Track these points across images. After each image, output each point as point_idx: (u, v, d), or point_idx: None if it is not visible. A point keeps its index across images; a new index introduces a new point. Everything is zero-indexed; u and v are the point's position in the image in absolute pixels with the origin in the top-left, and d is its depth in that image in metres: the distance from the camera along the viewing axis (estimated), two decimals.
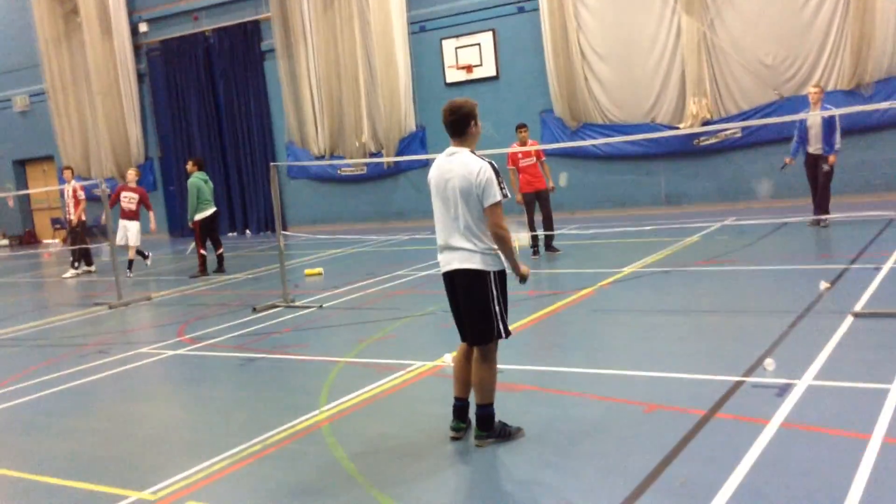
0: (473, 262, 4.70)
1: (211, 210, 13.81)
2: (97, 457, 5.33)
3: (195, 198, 13.62)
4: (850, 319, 6.69)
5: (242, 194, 22.10)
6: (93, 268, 15.91)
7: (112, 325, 10.12)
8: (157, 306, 11.31)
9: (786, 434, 4.48)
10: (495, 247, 4.72)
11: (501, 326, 4.77)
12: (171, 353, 8.13)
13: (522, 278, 4.89)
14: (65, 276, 15.64)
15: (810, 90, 12.06)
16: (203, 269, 13.62)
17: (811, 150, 11.92)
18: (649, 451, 4.40)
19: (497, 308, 4.73)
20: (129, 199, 14.69)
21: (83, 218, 15.64)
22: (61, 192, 15.43)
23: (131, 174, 15.09)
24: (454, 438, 4.89)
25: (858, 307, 7.02)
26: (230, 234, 21.86)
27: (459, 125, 4.78)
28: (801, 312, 7.13)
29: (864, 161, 14.51)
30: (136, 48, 22.99)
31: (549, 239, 12.23)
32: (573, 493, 4.07)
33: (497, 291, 4.74)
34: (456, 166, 4.72)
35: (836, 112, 10.28)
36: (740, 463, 4.12)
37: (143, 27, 22.80)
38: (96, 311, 11.14)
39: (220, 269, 13.84)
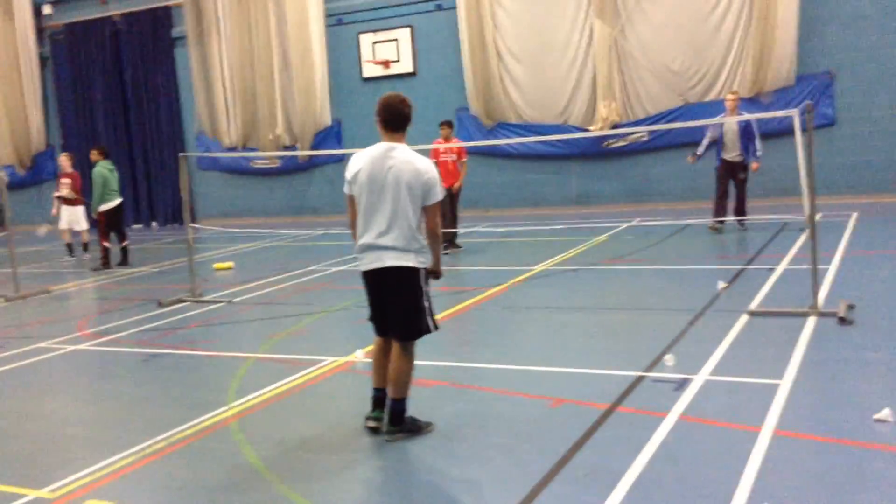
0: (407, 260, 4.70)
1: (117, 201, 13.39)
2: None
3: (101, 187, 13.17)
4: (745, 318, 7.03)
5: (149, 185, 21.43)
6: None
7: (9, 319, 9.68)
8: (57, 300, 10.88)
9: (683, 426, 4.70)
10: (425, 244, 4.76)
11: (431, 321, 4.83)
12: (71, 348, 7.86)
13: (438, 275, 4.96)
14: None
15: (727, 97, 12.19)
16: (106, 262, 13.18)
17: (728, 157, 12.03)
18: (555, 443, 4.54)
19: (426, 303, 4.78)
20: (68, 186, 14.30)
21: None
22: None
23: (65, 160, 14.60)
24: (372, 429, 4.90)
25: (753, 306, 7.38)
26: (136, 226, 21.16)
27: (402, 121, 4.78)
28: (700, 310, 7.46)
29: (763, 167, 15.20)
30: (39, 31, 22.00)
31: (452, 236, 12.32)
32: (482, 485, 4.16)
33: (426, 287, 4.79)
34: (399, 162, 4.68)
35: (750, 117, 10.82)
36: (640, 453, 4.30)
37: (46, 9, 21.83)
38: None
39: (124, 261, 13.43)
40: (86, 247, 14.86)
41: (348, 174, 4.88)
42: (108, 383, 6.71)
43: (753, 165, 11.90)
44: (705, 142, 12.25)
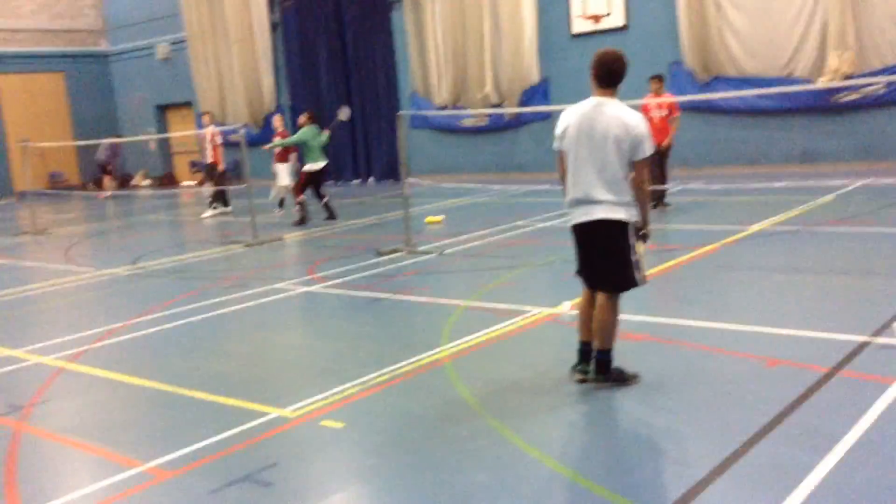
0: (616, 213, 4.75)
1: (320, 163, 14.10)
2: (241, 377, 5.83)
3: (304, 148, 14.13)
4: None
5: (366, 143, 22.67)
6: (229, 209, 16.84)
7: (248, 263, 10.78)
8: (288, 247, 11.94)
9: None
10: (633, 199, 4.79)
11: (639, 275, 4.85)
12: (303, 289, 8.64)
13: (646, 236, 4.95)
14: (203, 216, 16.64)
15: None
16: (303, 219, 13.83)
17: None
18: (768, 403, 4.43)
19: (635, 257, 4.82)
20: None
21: (221, 161, 16.59)
22: (199, 137, 16.31)
23: (278, 120, 15.87)
24: (580, 381, 5.01)
25: None
26: (354, 181, 22.54)
27: (617, 76, 4.78)
28: None
29: None
30: (271, 0, 23.76)
31: (661, 194, 11.98)
32: (687, 437, 4.18)
33: (633, 241, 4.82)
34: (608, 117, 4.71)
35: None
36: (863, 417, 4.11)
37: None
38: (233, 249, 11.88)
39: (330, 216, 14.12)
40: (281, 203, 15.63)
41: (558, 130, 4.97)
42: (336, 321, 7.36)
43: None
44: None
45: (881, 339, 5.36)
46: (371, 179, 22.68)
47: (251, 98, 24.40)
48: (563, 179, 5.02)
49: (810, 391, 4.58)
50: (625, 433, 4.42)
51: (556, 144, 5.02)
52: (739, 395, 4.65)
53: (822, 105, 15.56)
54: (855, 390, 4.55)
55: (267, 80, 24.09)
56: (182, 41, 25.90)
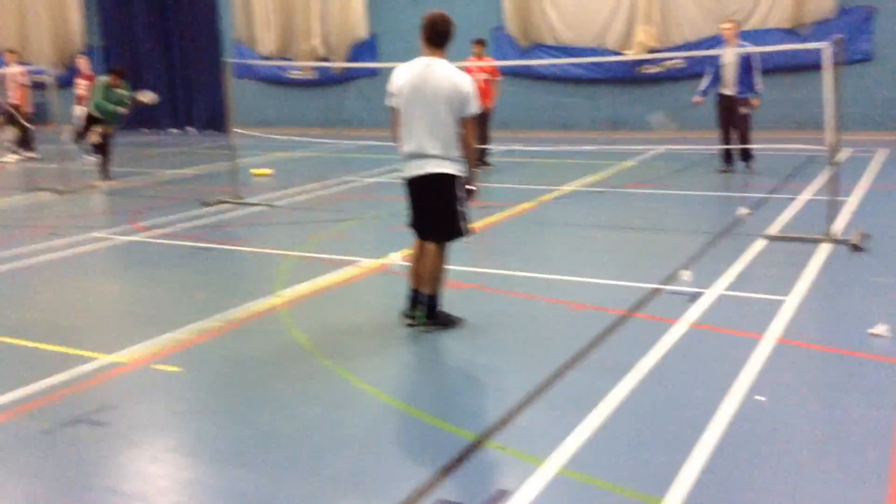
0: (446, 168, 5.08)
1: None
2: (65, 325, 5.70)
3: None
4: (761, 241, 7.37)
5: (187, 91, 21.76)
6: (36, 154, 15.72)
7: (62, 210, 10.25)
8: (104, 195, 11.43)
9: (693, 332, 5.13)
10: (461, 155, 5.13)
11: (465, 226, 5.23)
12: (125, 238, 8.40)
13: (473, 191, 5.31)
14: (3, 160, 15.44)
15: (724, 26, 11.18)
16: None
17: (726, 91, 11.11)
18: (574, 340, 5.00)
19: (462, 209, 5.19)
20: (83, 87, 14.64)
21: (27, 104, 15.43)
22: (1, 77, 15.06)
23: (83, 62, 14.95)
24: (409, 325, 5.35)
25: (770, 231, 7.72)
26: (172, 130, 21.61)
27: (445, 37, 5.10)
28: (720, 233, 7.81)
29: (794, 98, 15.21)
30: None
31: (482, 154, 12.53)
32: (504, 371, 4.66)
33: (462, 194, 5.18)
34: (438, 76, 5.01)
35: (751, 50, 10.41)
36: (651, 351, 4.75)
37: None
38: (43, 197, 11.21)
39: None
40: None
41: (391, 87, 5.21)
42: (163, 271, 7.26)
43: (753, 101, 11.00)
44: (705, 79, 11.33)
45: (669, 287, 6.12)
46: (191, 129, 21.86)
47: (57, 36, 22.64)
48: (396, 135, 5.28)
49: (608, 331, 5.20)
50: (450, 369, 4.84)
51: (389, 101, 5.27)
52: (549, 335, 5.20)
53: (630, 76, 16.82)
54: (646, 329, 5.21)
55: (75, 18, 22.42)
56: None
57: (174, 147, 17.86)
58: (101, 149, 12.59)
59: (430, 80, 5.03)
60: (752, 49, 10.93)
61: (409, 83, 5.10)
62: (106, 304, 6.25)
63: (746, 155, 11.39)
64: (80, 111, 14.70)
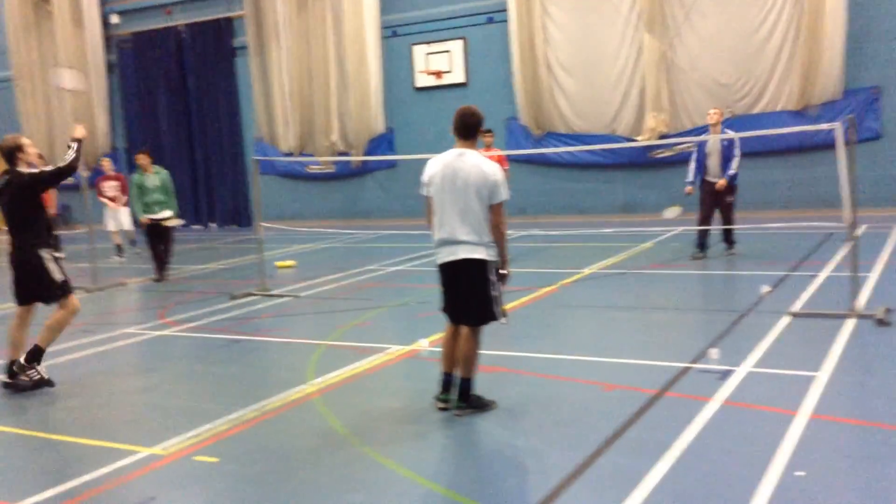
0: (479, 253, 5.23)
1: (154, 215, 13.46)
2: (107, 420, 5.78)
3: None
4: (786, 318, 7.42)
5: (208, 188, 22.35)
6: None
7: (92, 308, 10.43)
8: (133, 293, 11.65)
9: (726, 409, 5.15)
10: (492, 240, 5.28)
11: (499, 310, 5.33)
12: (156, 333, 8.54)
13: (505, 275, 5.43)
14: None
15: (709, 112, 11.24)
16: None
17: (710, 178, 11.01)
18: (609, 421, 5.03)
19: (495, 293, 5.31)
20: (111, 188, 15.13)
21: (53, 205, 15.86)
22: None
23: (106, 164, 15.51)
24: (442, 409, 5.42)
25: (795, 308, 7.77)
26: (195, 227, 22.09)
27: (474, 129, 5.37)
28: (744, 312, 7.87)
29: (814, 177, 15.43)
30: (107, 39, 23.11)
31: None
32: (543, 452, 4.68)
33: (495, 279, 5.31)
34: (469, 165, 5.24)
35: (734, 136, 10.51)
36: (687, 429, 4.78)
37: (114, 18, 22.96)
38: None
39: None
40: (119, 249, 15.48)
41: (424, 177, 5.45)
42: (196, 364, 7.36)
43: (720, 182, 10.84)
44: (691, 168, 11.23)
45: (698, 365, 6.15)
46: (213, 225, 22.33)
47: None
48: (430, 223, 5.47)
49: (642, 410, 5.23)
50: (488, 452, 4.86)
51: (422, 191, 5.48)
52: (584, 416, 5.23)
53: (642, 161, 17.19)
54: (679, 408, 5.24)
55: (101, 122, 23.28)
56: (8, 80, 24.51)
57: (197, 242, 18.24)
58: (167, 244, 12.49)
59: (460, 169, 5.24)
60: (760, 132, 11.33)
61: (440, 173, 5.32)
62: (141, 398, 6.33)
63: (729, 240, 11.32)
64: (122, 214, 15.25)
